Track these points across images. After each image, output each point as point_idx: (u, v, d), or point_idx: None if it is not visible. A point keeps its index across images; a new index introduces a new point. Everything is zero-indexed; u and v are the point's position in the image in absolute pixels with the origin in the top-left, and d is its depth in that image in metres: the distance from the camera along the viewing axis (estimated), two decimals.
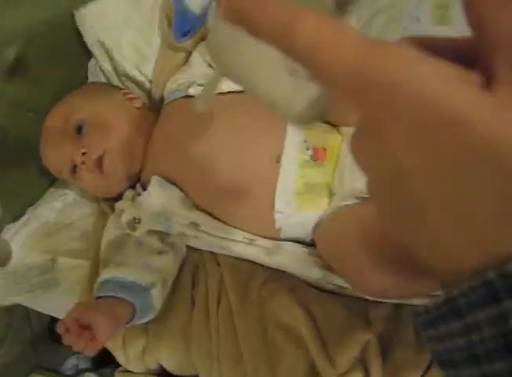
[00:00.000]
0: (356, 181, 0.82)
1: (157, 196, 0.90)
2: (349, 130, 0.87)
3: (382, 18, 0.92)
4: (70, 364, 1.18)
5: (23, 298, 0.97)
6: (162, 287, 0.87)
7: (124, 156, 0.96)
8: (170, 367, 0.89)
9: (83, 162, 0.93)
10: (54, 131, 0.98)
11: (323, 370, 0.78)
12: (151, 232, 0.91)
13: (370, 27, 0.93)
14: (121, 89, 1.08)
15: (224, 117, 0.89)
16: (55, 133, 0.98)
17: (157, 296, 0.85)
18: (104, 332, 0.74)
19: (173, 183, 0.92)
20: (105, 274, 0.84)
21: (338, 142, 0.88)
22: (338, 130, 0.90)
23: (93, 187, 1.00)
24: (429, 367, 0.78)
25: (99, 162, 0.94)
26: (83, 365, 1.19)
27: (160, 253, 0.90)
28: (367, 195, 0.80)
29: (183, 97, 0.96)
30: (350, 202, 0.83)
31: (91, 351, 0.74)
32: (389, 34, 0.92)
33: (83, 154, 0.93)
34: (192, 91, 0.94)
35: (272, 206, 0.86)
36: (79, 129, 0.95)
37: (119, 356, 0.92)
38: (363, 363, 0.79)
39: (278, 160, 0.85)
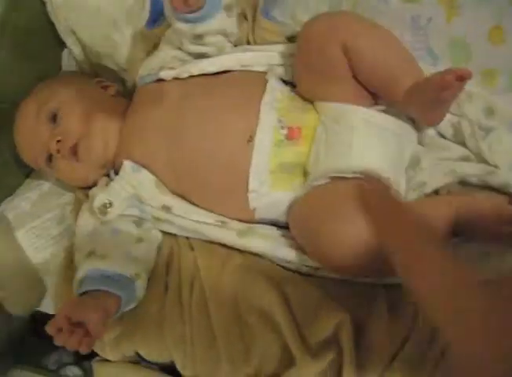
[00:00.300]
0: (331, 161, 0.82)
1: (129, 180, 0.90)
2: (324, 107, 0.86)
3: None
4: (52, 359, 1.17)
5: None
6: (146, 277, 0.87)
7: (99, 143, 0.95)
8: (145, 353, 0.88)
9: (58, 151, 0.92)
10: (28, 120, 0.97)
11: (296, 352, 0.78)
12: (126, 219, 0.91)
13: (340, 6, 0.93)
14: (95, 77, 1.08)
15: (195, 99, 0.89)
16: (29, 123, 0.97)
17: (141, 287, 0.85)
18: (97, 327, 0.74)
19: (147, 167, 0.91)
20: (87, 266, 0.83)
21: (314, 121, 0.87)
22: (314, 107, 0.89)
23: (69, 175, 0.99)
24: (402, 345, 0.77)
25: (74, 149, 0.93)
26: (66, 359, 1.17)
27: (139, 241, 0.89)
28: (340, 175, 0.81)
29: (154, 81, 0.95)
30: (323, 182, 0.82)
31: (86, 348, 0.74)
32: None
33: (58, 142, 0.92)
34: (162, 74, 0.93)
35: (246, 186, 0.85)
36: (53, 118, 0.95)
37: (95, 344, 0.90)
38: (336, 343, 0.79)
39: (250, 140, 0.84)
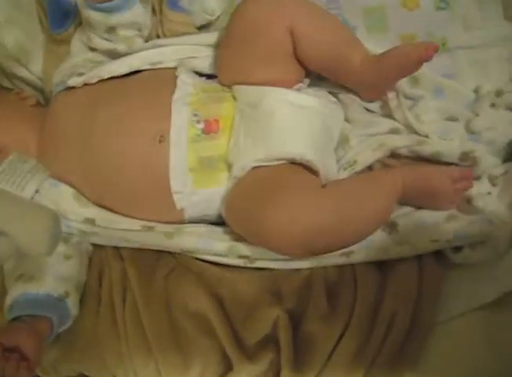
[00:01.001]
0: (252, 150, 0.79)
1: (47, 196, 0.86)
2: (242, 92, 0.83)
3: None
4: None
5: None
6: (77, 294, 0.84)
7: (19, 151, 0.90)
8: (87, 373, 0.85)
9: None
10: None
11: (232, 356, 0.76)
12: None
13: None
14: (13, 89, 1.04)
15: (104, 106, 0.86)
16: None
17: (73, 304, 0.83)
18: (32, 351, 0.71)
19: (64, 180, 0.88)
20: (15, 291, 0.80)
21: (232, 110, 0.83)
22: (231, 92, 0.86)
23: None
24: (340, 338, 0.75)
25: None
26: None
27: (67, 257, 0.86)
28: (263, 164, 0.77)
29: (64, 90, 0.91)
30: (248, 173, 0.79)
31: (26, 373, 0.70)
32: None
33: None
34: (70, 82, 0.89)
35: (169, 188, 0.82)
36: None
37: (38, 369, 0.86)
38: (275, 341, 0.76)
39: (162, 140, 0.81)
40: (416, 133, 0.84)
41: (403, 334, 0.75)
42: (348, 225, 0.73)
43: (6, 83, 1.07)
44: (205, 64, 0.89)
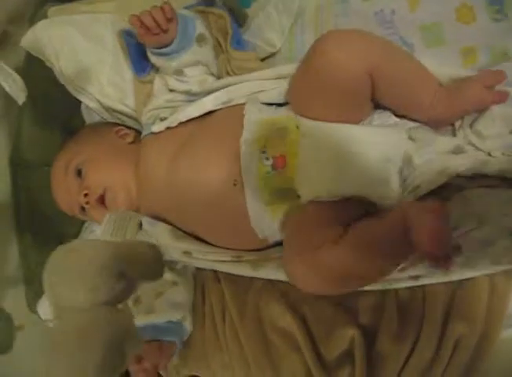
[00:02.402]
0: (316, 186, 0.85)
1: (150, 234, 0.99)
2: (309, 126, 0.87)
3: None
4: None
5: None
6: (190, 315, 0.98)
7: (121, 192, 1.03)
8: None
9: (87, 203, 1.02)
10: (58, 178, 1.09)
11: (314, 370, 0.86)
12: None
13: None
14: (116, 125, 1.16)
15: (185, 153, 0.95)
16: (59, 180, 1.09)
17: (188, 326, 0.97)
18: (157, 359, 0.88)
19: (162, 218, 1.00)
20: (138, 323, 0.92)
21: (296, 144, 0.87)
22: (297, 120, 0.89)
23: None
24: (409, 357, 0.82)
25: (100, 200, 1.03)
26: None
27: (174, 284, 0.99)
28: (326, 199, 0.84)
29: (150, 133, 1.02)
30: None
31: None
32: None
33: (85, 195, 1.02)
34: (154, 128, 1.00)
35: (249, 222, 0.90)
36: (79, 173, 1.05)
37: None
38: (351, 356, 0.85)
39: (236, 183, 0.88)
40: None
41: (469, 353, 0.80)
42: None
43: (106, 116, 1.20)
44: (272, 95, 0.94)
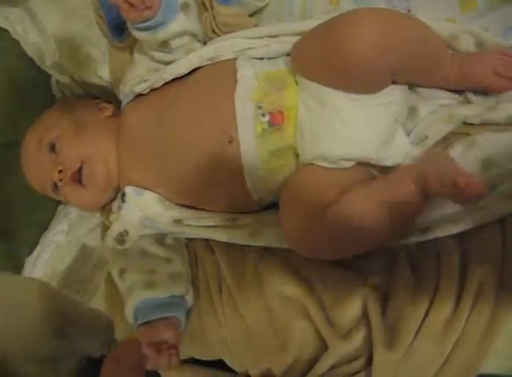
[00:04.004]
0: (316, 147, 0.81)
1: (136, 204, 0.92)
2: (309, 85, 0.82)
3: None
4: None
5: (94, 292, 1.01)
6: (192, 289, 0.91)
7: (100, 167, 0.97)
8: (197, 355, 0.93)
9: (61, 180, 0.95)
10: (30, 154, 1.01)
11: (326, 336, 0.79)
12: (148, 241, 0.94)
13: None
14: (94, 99, 1.09)
15: (172, 112, 0.89)
16: (31, 156, 1.01)
17: (191, 299, 0.90)
18: (176, 338, 0.82)
19: (148, 187, 0.93)
20: (137, 298, 0.86)
21: (294, 98, 0.83)
22: (295, 76, 0.84)
23: (77, 201, 1.02)
24: (428, 311, 0.76)
25: (76, 177, 0.96)
26: None
27: (169, 261, 0.92)
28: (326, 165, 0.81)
29: (133, 100, 0.96)
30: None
31: (176, 359, 0.80)
32: None
33: (60, 172, 0.95)
34: (137, 89, 0.93)
35: (245, 184, 0.86)
36: (53, 148, 0.97)
37: None
38: (366, 318, 0.79)
39: (231, 140, 0.83)
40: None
41: (491, 301, 0.75)
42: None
43: (78, 90, 1.13)
44: (263, 52, 0.88)
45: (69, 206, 1.13)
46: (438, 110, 0.84)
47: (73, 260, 1.04)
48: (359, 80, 0.77)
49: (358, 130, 0.79)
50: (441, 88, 0.87)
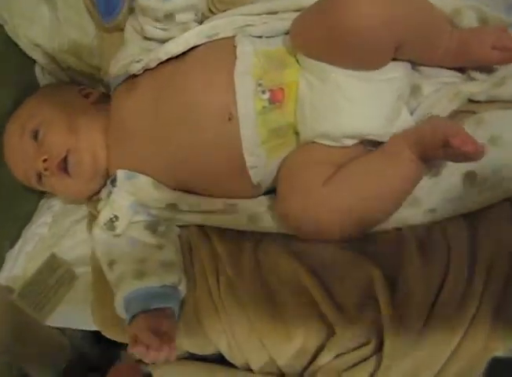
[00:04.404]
0: (317, 124, 0.79)
1: (127, 189, 0.88)
2: (310, 63, 0.79)
3: None
4: None
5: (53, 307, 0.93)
6: (185, 278, 0.86)
7: (86, 155, 0.92)
8: (193, 350, 0.87)
9: (46, 169, 0.91)
10: (12, 142, 0.96)
11: (333, 320, 0.75)
12: (137, 228, 0.89)
13: None
14: (78, 85, 1.05)
15: (169, 91, 0.86)
16: (14, 144, 0.96)
17: (184, 289, 0.85)
18: (174, 331, 0.78)
19: (140, 171, 0.89)
20: (126, 288, 0.82)
21: (295, 76, 0.81)
22: (295, 55, 0.82)
23: (64, 191, 0.98)
24: (438, 293, 0.73)
25: (61, 165, 0.91)
26: None
27: (161, 247, 0.88)
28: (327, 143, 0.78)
29: (125, 81, 0.91)
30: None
31: (175, 354, 0.76)
32: None
33: (44, 161, 0.90)
34: (131, 69, 0.88)
35: (243, 164, 0.83)
36: (35, 136, 0.93)
37: None
38: (373, 300, 0.75)
39: (231, 117, 0.80)
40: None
41: (503, 280, 0.72)
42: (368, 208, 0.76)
43: (63, 76, 1.09)
44: (262, 30, 0.85)
45: (52, 198, 1.08)
46: (442, 88, 0.83)
47: (39, 270, 0.95)
48: (362, 53, 0.74)
49: (362, 106, 0.77)
50: (443, 66, 0.85)
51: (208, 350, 0.86)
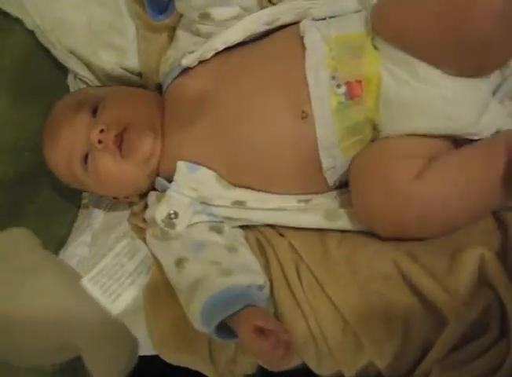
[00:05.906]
0: (408, 121, 0.73)
1: (187, 183, 0.80)
2: (391, 51, 0.71)
3: None
4: None
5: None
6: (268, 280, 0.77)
7: (147, 135, 0.83)
8: None
9: (100, 141, 0.80)
10: (64, 117, 0.86)
11: (444, 308, 0.67)
12: (202, 230, 0.80)
13: None
14: None
15: (230, 86, 0.80)
16: (65, 119, 0.86)
17: (268, 292, 0.75)
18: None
19: (202, 165, 0.81)
20: (211, 288, 0.70)
21: (375, 65, 0.72)
22: (372, 39, 0.74)
23: (109, 174, 0.84)
24: None
25: (120, 139, 0.82)
26: None
27: (231, 249, 0.77)
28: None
29: (179, 75, 0.85)
30: None
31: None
32: None
33: (101, 131, 0.81)
34: (185, 62, 0.82)
35: (318, 165, 0.76)
36: (94, 112, 0.85)
37: (208, 370, 0.78)
38: (484, 279, 0.68)
39: (305, 116, 0.74)
40: None
41: None
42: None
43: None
44: (325, 10, 0.78)
45: (89, 217, 0.99)
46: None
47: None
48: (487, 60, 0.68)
49: (459, 106, 0.70)
50: None
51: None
